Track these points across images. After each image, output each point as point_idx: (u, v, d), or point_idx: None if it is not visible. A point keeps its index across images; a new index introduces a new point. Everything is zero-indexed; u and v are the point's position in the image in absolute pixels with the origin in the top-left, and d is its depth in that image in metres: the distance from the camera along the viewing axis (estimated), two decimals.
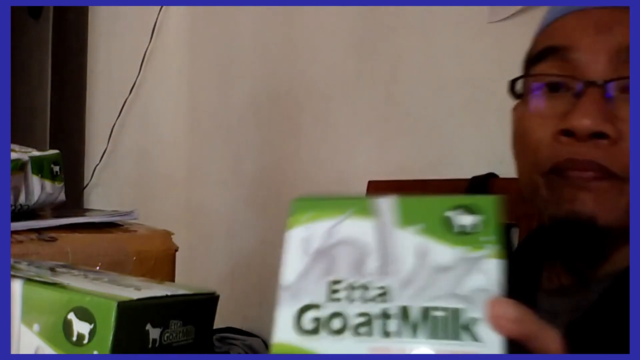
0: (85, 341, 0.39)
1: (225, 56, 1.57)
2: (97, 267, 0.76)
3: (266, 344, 1.41)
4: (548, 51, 0.55)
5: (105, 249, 0.82)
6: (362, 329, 0.35)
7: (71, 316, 0.40)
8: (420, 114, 1.16)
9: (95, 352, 0.39)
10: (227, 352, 1.33)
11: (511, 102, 0.63)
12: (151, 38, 1.68)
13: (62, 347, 0.40)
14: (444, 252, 0.36)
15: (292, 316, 0.36)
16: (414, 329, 0.35)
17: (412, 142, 1.17)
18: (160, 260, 0.85)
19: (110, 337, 0.39)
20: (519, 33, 0.60)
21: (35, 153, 0.88)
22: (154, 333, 0.44)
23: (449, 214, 0.37)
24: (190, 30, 1.66)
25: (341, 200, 0.39)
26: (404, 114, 1.19)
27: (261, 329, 1.43)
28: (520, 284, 0.60)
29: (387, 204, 0.38)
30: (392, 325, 0.35)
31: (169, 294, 0.48)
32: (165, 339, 0.45)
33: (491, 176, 0.97)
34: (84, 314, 0.39)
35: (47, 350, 0.41)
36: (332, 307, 0.36)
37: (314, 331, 0.36)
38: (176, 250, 0.87)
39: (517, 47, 0.59)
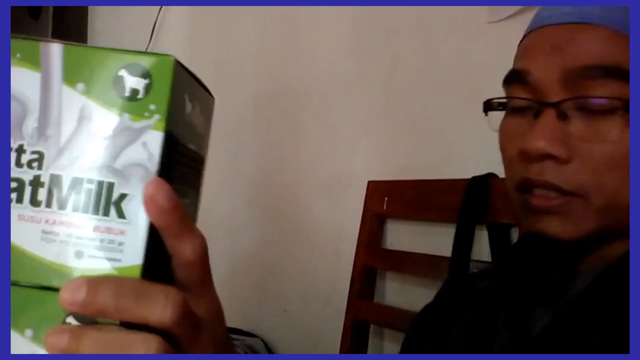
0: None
1: (225, 56, 1.57)
2: None
3: (266, 344, 1.41)
4: (514, 74, 0.56)
5: None
6: (13, 195, 0.33)
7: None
8: (420, 114, 1.16)
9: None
10: None
11: None
12: (151, 38, 1.68)
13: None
14: (107, 119, 0.34)
15: None
16: (63, 200, 0.33)
17: (411, 142, 1.17)
18: None
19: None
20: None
21: None
22: None
23: (122, 72, 0.34)
24: (190, 30, 1.66)
25: (14, 39, 0.34)
26: (404, 114, 1.19)
27: (261, 329, 1.43)
28: (515, 279, 0.61)
29: (55, 52, 0.34)
30: (42, 194, 0.33)
31: None
32: None
33: (491, 176, 0.97)
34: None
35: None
36: None
37: None
38: None
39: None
